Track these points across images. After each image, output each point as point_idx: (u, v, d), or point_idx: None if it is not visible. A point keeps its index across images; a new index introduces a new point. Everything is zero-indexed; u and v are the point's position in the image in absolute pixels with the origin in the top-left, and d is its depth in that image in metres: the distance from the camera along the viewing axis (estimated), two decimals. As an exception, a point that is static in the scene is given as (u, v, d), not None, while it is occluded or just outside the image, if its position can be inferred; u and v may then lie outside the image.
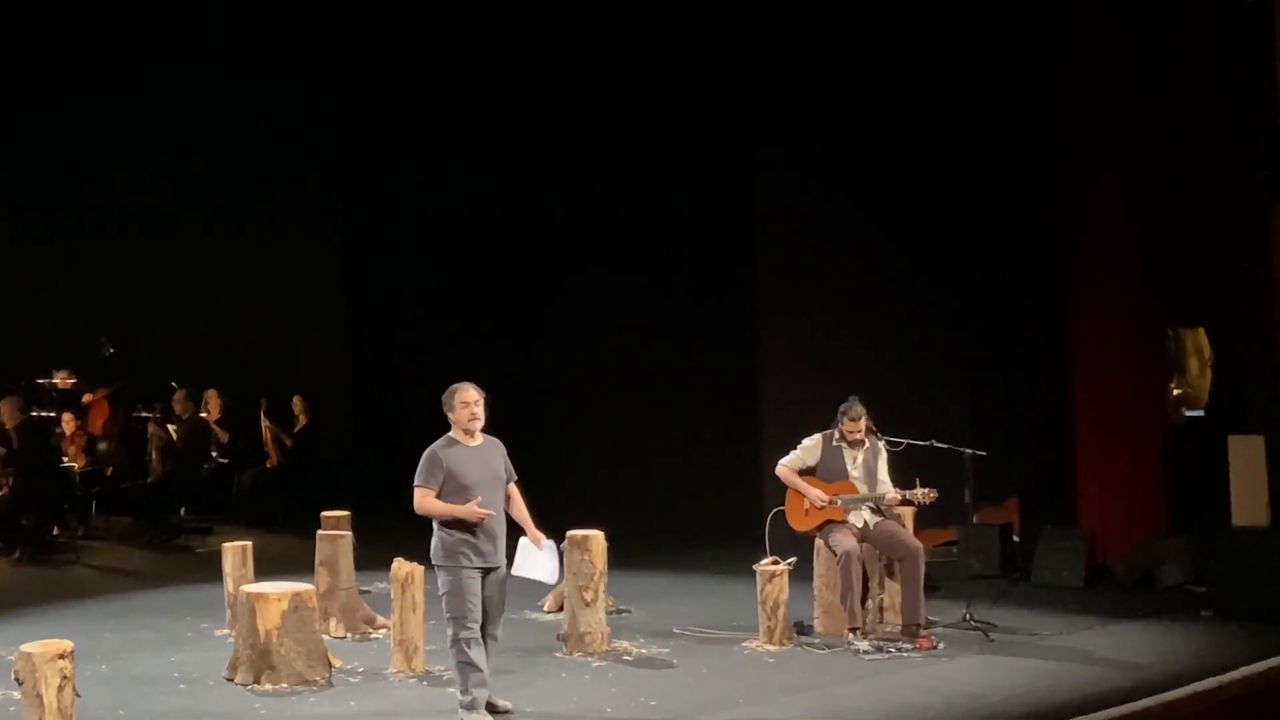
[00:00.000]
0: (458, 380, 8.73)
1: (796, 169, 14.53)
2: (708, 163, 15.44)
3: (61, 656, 7.57)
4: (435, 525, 8.56)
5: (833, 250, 14.31)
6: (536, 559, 8.82)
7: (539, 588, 9.77)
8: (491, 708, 8.59)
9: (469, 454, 8.57)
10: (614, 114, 15.84)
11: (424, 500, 8.49)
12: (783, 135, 14.63)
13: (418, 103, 17.40)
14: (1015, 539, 13.10)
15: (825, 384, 12.31)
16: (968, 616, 10.70)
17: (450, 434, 8.64)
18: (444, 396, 8.69)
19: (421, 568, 9.85)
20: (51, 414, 16.37)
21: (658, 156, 15.65)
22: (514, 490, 8.78)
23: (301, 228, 17.92)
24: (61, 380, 17.23)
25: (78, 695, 7.69)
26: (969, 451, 10.93)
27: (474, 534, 8.44)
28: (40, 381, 17.01)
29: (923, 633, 10.24)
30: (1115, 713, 8.06)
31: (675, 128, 15.58)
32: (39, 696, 7.50)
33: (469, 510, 8.38)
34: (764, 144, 14.89)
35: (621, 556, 11.14)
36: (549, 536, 8.96)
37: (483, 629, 8.55)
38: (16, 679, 7.64)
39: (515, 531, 8.81)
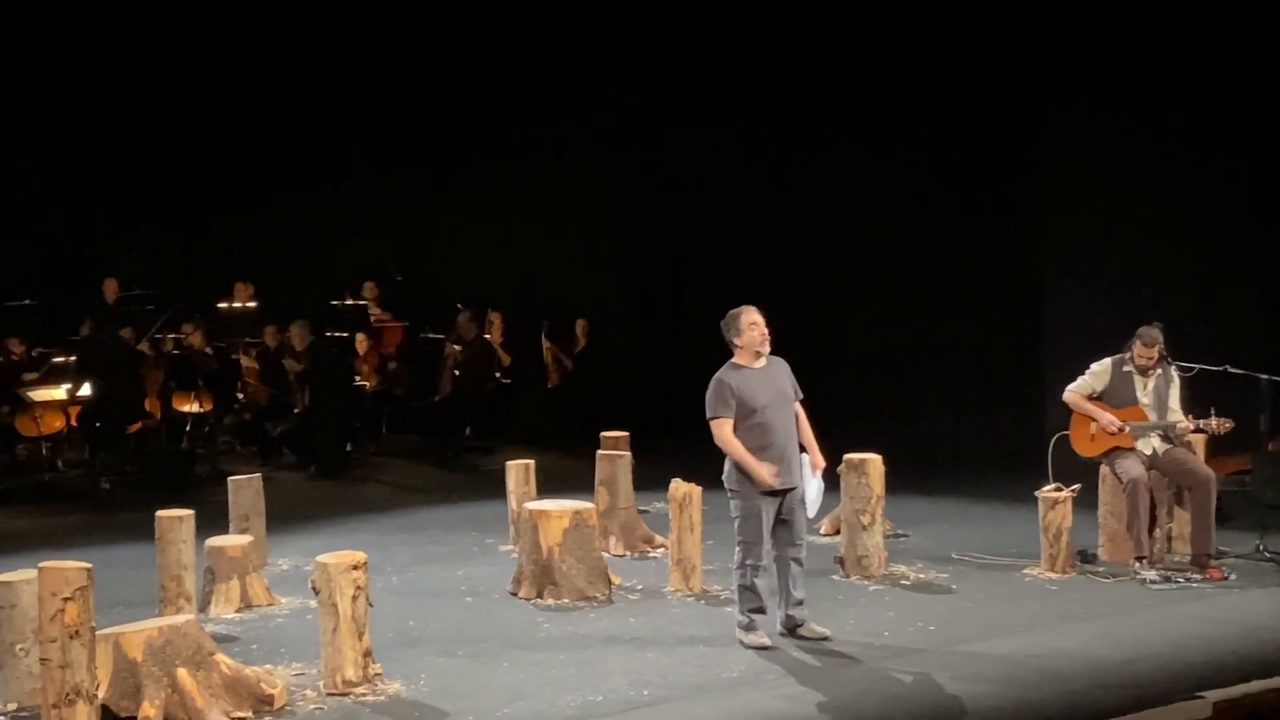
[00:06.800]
0: (735, 304, 8.71)
1: (1085, 87, 14.08)
2: (991, 83, 15.04)
3: (355, 567, 7.82)
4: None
5: (1121, 170, 13.87)
6: (809, 485, 8.74)
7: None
8: (803, 634, 8.63)
9: (756, 376, 8.55)
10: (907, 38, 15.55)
11: (724, 432, 8.46)
12: (1070, 59, 14.21)
13: (703, 41, 17.33)
14: (1314, 469, 12.58)
15: (1110, 307, 11.97)
16: (1261, 548, 10.34)
17: (734, 359, 8.62)
18: (724, 323, 8.65)
19: (699, 489, 9.93)
20: (345, 335, 16.93)
21: (945, 79, 15.32)
22: (800, 410, 8.74)
23: (586, 153, 18.08)
24: (370, 290, 17.85)
25: (370, 605, 7.93)
26: (1266, 377, 10.48)
27: (768, 458, 8.43)
28: (334, 303, 17.61)
29: (1213, 563, 9.93)
30: None
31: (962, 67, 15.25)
32: (334, 605, 7.77)
33: (763, 472, 8.34)
34: (1049, 70, 14.48)
35: (900, 480, 11.04)
36: (827, 460, 8.90)
37: (785, 554, 8.60)
38: (313, 588, 7.91)
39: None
